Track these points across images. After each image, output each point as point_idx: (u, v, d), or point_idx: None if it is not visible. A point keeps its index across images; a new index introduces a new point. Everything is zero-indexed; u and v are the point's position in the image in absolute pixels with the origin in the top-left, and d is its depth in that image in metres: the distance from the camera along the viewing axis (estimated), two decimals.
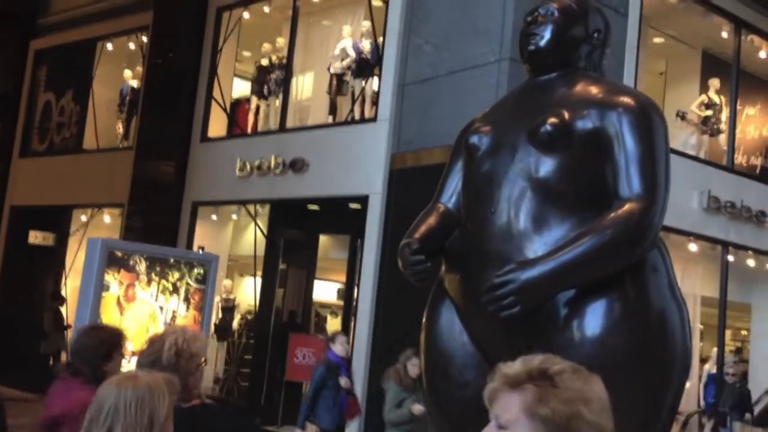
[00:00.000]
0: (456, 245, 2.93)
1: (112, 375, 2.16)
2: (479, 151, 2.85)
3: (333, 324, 11.48)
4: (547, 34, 2.88)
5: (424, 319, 3.09)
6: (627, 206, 2.62)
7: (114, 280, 5.02)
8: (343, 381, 6.42)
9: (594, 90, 2.80)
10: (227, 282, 10.89)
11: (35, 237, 12.62)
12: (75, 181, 12.03)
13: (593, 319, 2.67)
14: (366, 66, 9.42)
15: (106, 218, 12.16)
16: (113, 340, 2.94)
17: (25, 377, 9.23)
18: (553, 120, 2.70)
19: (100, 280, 4.91)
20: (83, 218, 12.37)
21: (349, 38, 9.76)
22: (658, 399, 2.74)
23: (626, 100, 2.73)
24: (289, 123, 10.05)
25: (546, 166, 2.71)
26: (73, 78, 12.94)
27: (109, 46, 12.77)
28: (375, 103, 8.87)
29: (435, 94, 7.90)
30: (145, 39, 11.81)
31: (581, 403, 1.31)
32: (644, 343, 2.69)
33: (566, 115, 2.71)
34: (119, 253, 5.05)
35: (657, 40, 10.91)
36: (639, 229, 2.63)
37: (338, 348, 6.50)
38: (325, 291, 11.62)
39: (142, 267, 5.15)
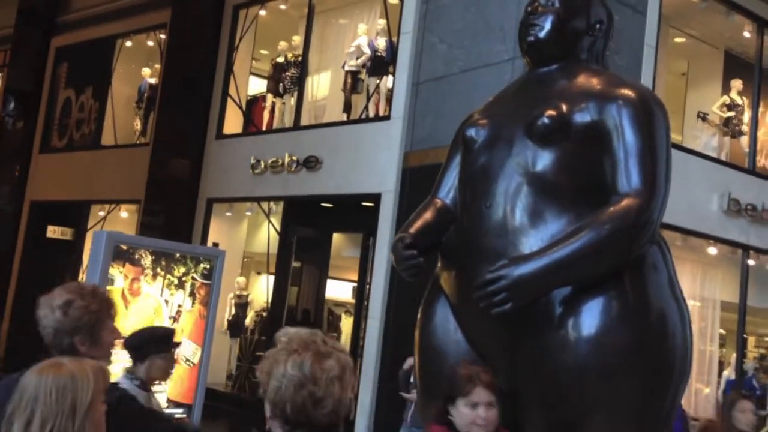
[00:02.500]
0: (451, 241, 2.87)
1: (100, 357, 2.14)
2: (476, 144, 2.79)
3: (346, 323, 11.44)
4: (547, 25, 2.81)
5: (419, 316, 3.04)
6: (625, 201, 2.54)
7: (119, 273, 5.01)
8: None
9: (594, 82, 2.73)
10: (241, 279, 10.90)
11: (54, 231, 12.76)
12: (93, 177, 12.14)
13: (590, 318, 2.60)
14: (381, 64, 9.38)
15: (123, 214, 12.24)
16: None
17: None
18: (550, 113, 2.63)
19: (105, 274, 4.90)
20: (101, 214, 12.47)
21: (364, 36, 9.73)
22: (656, 401, 2.66)
23: (627, 92, 2.65)
24: (304, 121, 10.04)
25: (543, 160, 2.65)
26: (93, 75, 13.05)
27: (128, 43, 12.86)
28: (389, 101, 8.82)
29: (449, 92, 7.83)
30: (163, 36, 11.88)
31: None
32: (643, 343, 2.60)
33: (564, 107, 2.64)
34: (125, 247, 5.05)
35: (678, 39, 10.74)
36: (637, 225, 2.55)
37: None
38: (339, 289, 11.59)
39: (147, 261, 5.14)
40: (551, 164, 2.63)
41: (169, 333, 3.46)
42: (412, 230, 2.84)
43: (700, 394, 10.22)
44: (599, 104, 2.63)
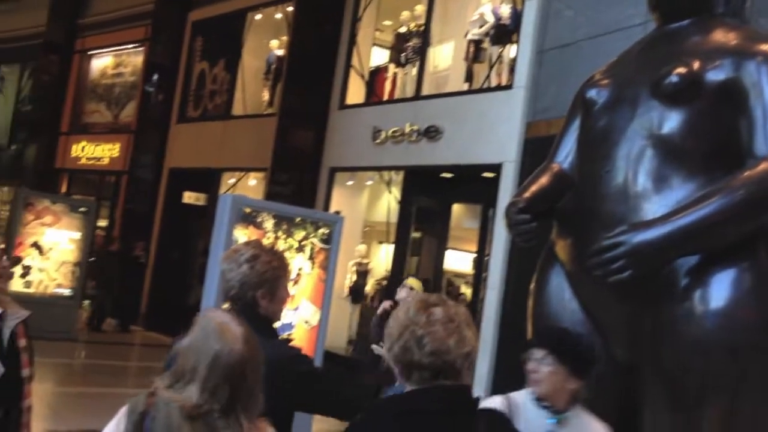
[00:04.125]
0: (568, 207, 2.77)
1: None
2: (596, 106, 2.66)
3: (466, 294, 11.41)
4: None
5: (532, 285, 2.96)
6: (763, 165, 2.35)
7: (243, 235, 5.21)
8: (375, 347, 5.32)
9: (731, 37, 2.52)
10: (361, 247, 11.08)
11: (189, 197, 13.50)
12: (224, 146, 12.70)
13: (718, 290, 2.44)
14: (504, 32, 9.15)
15: (252, 182, 12.73)
16: None
17: (176, 326, 9.91)
18: (680, 70, 2.46)
19: (230, 235, 5.11)
20: (231, 181, 13.03)
21: (488, 4, 9.51)
22: None
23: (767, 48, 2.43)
24: (425, 91, 9.99)
25: (670, 121, 2.49)
26: (225, 48, 13.58)
27: (258, 16, 13.26)
28: (512, 70, 8.61)
29: (574, 61, 7.54)
30: (290, 9, 12.16)
31: None
32: None
33: (696, 65, 2.46)
34: (248, 210, 5.24)
35: None
36: None
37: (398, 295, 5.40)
38: (458, 260, 11.54)
39: (269, 225, 5.31)
40: (679, 126, 2.47)
41: None
42: (527, 195, 2.76)
43: None
44: (736, 61, 2.43)
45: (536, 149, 7.88)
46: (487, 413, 1.70)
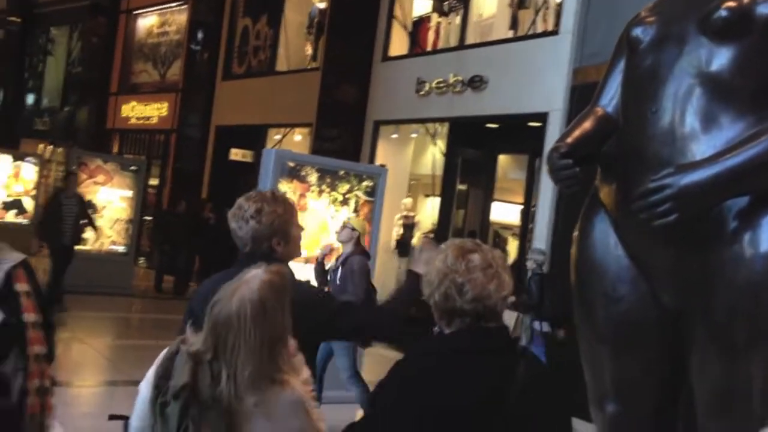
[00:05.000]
0: (612, 150, 2.70)
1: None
2: (641, 45, 2.56)
3: (513, 246, 11.34)
4: None
5: (575, 232, 2.91)
6: None
7: (288, 189, 5.26)
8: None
9: None
10: (407, 200, 11.08)
11: (236, 154, 13.64)
12: (269, 102, 12.73)
13: None
14: None
15: (297, 137, 12.78)
16: None
17: None
18: (729, 4, 2.34)
19: (275, 189, 5.16)
20: (276, 137, 13.10)
21: None
22: None
23: None
24: (469, 40, 9.80)
25: (719, 58, 2.38)
26: (267, 3, 13.52)
27: None
28: (558, 14, 8.37)
29: (623, 3, 7.25)
30: None
31: None
32: None
33: None
34: (292, 164, 5.27)
35: None
36: None
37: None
38: (504, 212, 11.45)
39: (313, 178, 5.33)
40: (729, 63, 2.36)
41: None
42: (569, 140, 2.69)
43: None
44: None
45: (584, 96, 7.66)
46: (526, 353, 1.72)
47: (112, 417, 2.00)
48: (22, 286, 2.24)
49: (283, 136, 12.96)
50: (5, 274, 2.23)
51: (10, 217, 12.76)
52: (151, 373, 1.76)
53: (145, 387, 1.75)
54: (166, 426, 1.65)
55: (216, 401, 1.63)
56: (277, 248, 2.27)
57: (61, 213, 8.81)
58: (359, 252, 5.02)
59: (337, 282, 4.94)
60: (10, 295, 2.22)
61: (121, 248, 10.97)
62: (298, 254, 2.44)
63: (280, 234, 2.28)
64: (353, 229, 5.07)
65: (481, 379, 1.60)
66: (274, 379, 1.68)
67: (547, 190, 7.96)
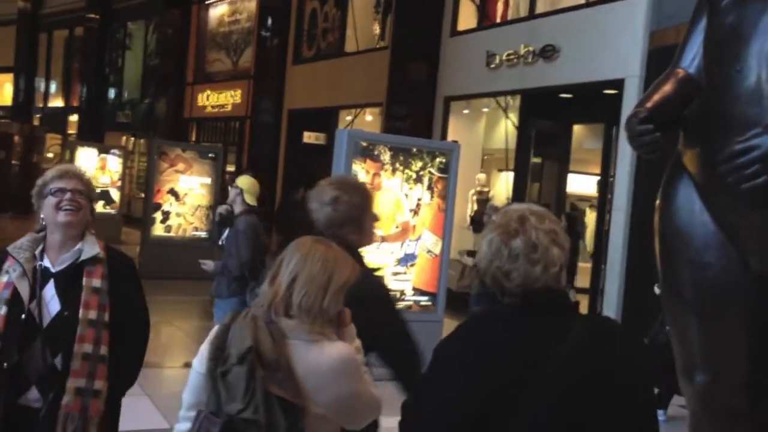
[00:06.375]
0: (695, 113, 2.60)
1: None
2: (723, 1, 2.45)
3: (590, 217, 11.12)
4: None
5: (658, 200, 2.83)
6: None
7: (361, 169, 5.30)
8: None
9: None
10: (481, 175, 10.99)
11: (309, 137, 13.83)
12: (339, 83, 12.82)
13: None
14: None
15: (368, 117, 12.84)
16: None
17: None
18: None
19: (349, 169, 5.21)
20: (348, 118, 13.19)
21: None
22: None
23: None
24: (539, 9, 9.58)
25: None
26: None
27: None
28: None
29: None
30: None
31: None
32: None
33: None
34: (364, 144, 5.30)
35: None
36: None
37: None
38: (581, 183, 11.23)
39: (386, 157, 5.36)
40: None
41: None
42: (649, 104, 2.60)
43: None
44: None
45: (662, 60, 7.39)
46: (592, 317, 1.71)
47: None
48: (90, 281, 2.16)
49: (355, 117, 13.03)
50: (75, 266, 2.18)
51: (99, 208, 13.20)
52: (204, 348, 1.80)
53: (198, 363, 1.79)
54: (229, 393, 1.69)
55: (279, 361, 1.70)
56: (350, 236, 2.31)
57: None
58: (246, 212, 4.85)
59: (221, 242, 4.89)
60: (74, 287, 2.16)
61: (203, 233, 11.32)
62: (369, 243, 2.50)
63: (354, 223, 2.33)
64: (240, 190, 4.90)
65: (529, 339, 1.61)
66: (330, 336, 1.77)
67: (625, 159, 7.75)
